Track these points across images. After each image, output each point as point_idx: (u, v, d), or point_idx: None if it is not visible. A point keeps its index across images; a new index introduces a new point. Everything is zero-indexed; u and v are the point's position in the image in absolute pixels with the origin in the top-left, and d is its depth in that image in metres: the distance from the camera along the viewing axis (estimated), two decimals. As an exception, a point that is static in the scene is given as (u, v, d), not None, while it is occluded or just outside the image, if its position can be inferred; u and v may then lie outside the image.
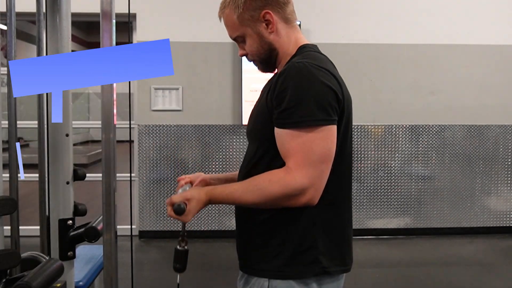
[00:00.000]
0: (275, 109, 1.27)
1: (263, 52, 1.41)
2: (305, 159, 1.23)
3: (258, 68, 1.49)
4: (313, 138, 1.23)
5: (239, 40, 1.43)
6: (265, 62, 1.44)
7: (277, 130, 1.28)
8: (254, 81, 4.64)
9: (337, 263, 1.36)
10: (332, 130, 1.26)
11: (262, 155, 1.35)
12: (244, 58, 1.48)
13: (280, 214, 1.31)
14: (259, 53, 1.42)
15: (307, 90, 1.24)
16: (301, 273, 1.31)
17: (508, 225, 5.14)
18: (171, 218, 1.30)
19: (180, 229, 1.35)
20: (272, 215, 1.32)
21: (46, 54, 1.44)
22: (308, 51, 1.39)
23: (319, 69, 1.28)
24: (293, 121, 1.24)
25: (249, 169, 1.38)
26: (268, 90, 1.33)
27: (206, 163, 4.92)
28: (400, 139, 5.05)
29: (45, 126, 1.46)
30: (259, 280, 1.34)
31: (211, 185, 1.48)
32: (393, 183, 5.06)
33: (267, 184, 1.25)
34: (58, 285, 1.33)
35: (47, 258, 1.37)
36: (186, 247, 1.37)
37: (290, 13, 1.44)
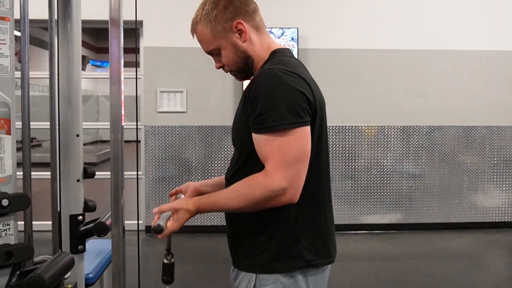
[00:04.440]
0: (250, 115, 1.27)
1: (239, 61, 1.39)
2: (281, 161, 1.22)
3: (236, 78, 1.47)
4: (287, 140, 1.22)
5: (214, 53, 1.41)
6: (242, 70, 1.42)
7: (254, 136, 1.28)
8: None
9: (321, 256, 1.36)
10: (305, 131, 1.25)
11: (245, 160, 1.35)
12: None
13: (265, 213, 1.31)
14: (235, 62, 1.40)
15: (278, 95, 1.23)
16: (287, 267, 1.32)
17: (493, 220, 5.14)
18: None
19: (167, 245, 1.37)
20: (258, 214, 1.32)
21: (58, 59, 1.43)
22: (279, 57, 1.37)
23: (288, 73, 1.27)
24: (267, 126, 1.23)
25: (234, 172, 1.39)
26: (244, 97, 1.32)
27: (209, 162, 4.92)
28: (392, 139, 5.05)
29: (57, 127, 1.46)
30: (247, 274, 1.35)
31: (202, 192, 1.49)
32: (385, 181, 5.06)
33: (248, 189, 1.25)
34: (70, 286, 1.33)
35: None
36: (172, 260, 1.38)
37: (260, 21, 1.42)
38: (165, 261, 1.37)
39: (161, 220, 1.26)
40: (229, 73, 1.47)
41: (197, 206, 1.30)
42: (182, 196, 1.52)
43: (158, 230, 1.24)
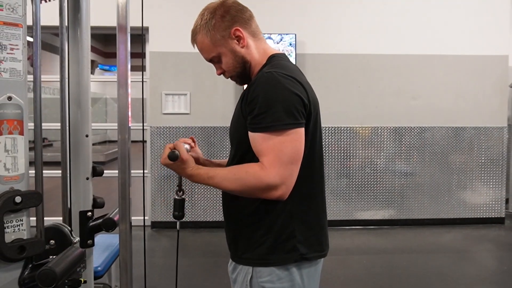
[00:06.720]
0: (248, 115, 1.27)
1: (238, 66, 1.40)
2: (276, 159, 1.23)
3: (236, 83, 1.47)
4: (282, 140, 1.23)
5: (215, 60, 1.41)
6: (241, 75, 1.42)
7: (250, 134, 1.28)
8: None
9: (314, 250, 1.36)
10: (299, 132, 1.26)
11: (241, 157, 1.35)
12: None
13: (261, 209, 1.31)
14: (235, 68, 1.40)
15: (275, 97, 1.24)
16: (282, 260, 1.32)
17: (481, 216, 5.14)
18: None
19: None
20: (255, 210, 1.32)
21: (68, 63, 1.43)
22: (277, 61, 1.38)
23: (285, 77, 1.27)
24: (264, 126, 1.23)
25: None
26: (242, 98, 1.32)
27: (211, 161, 4.91)
28: (385, 139, 5.05)
29: (67, 127, 1.46)
30: (245, 267, 1.35)
31: (203, 164, 1.47)
32: (378, 179, 5.06)
33: (244, 175, 1.25)
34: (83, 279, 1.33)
35: (69, 228, 1.37)
36: (183, 197, 1.40)
37: (255, 27, 1.43)
38: (176, 197, 1.40)
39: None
40: (229, 78, 1.47)
41: (192, 172, 1.32)
42: (187, 146, 1.46)
43: (174, 156, 1.29)
